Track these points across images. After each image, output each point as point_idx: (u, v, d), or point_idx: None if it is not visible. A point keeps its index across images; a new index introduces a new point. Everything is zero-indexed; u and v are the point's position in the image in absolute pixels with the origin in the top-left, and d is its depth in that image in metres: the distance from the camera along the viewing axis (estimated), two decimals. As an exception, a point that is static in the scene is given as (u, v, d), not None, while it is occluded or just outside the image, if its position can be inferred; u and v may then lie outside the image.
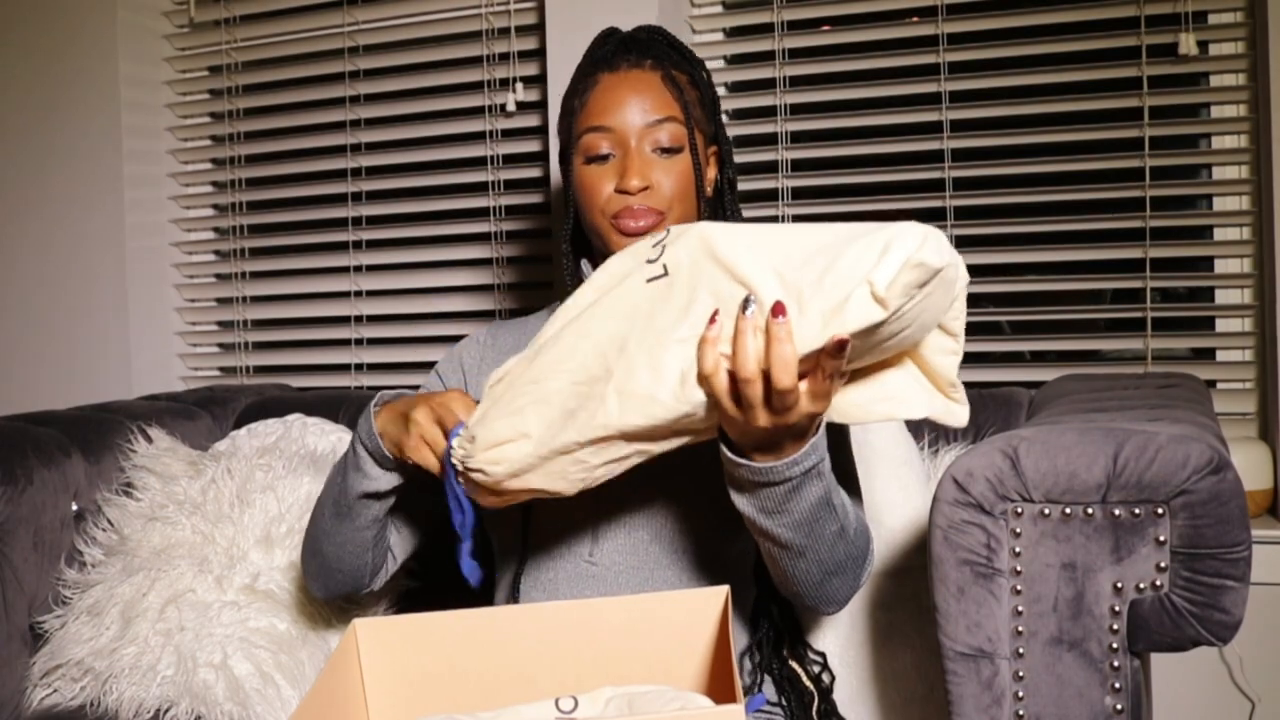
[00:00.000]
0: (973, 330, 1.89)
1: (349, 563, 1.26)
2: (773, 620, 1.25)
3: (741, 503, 1.02)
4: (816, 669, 1.27)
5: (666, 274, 0.97)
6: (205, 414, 1.91)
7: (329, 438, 1.74)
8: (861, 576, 1.14)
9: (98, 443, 1.71)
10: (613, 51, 1.25)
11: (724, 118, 1.34)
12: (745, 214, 1.42)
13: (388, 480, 1.18)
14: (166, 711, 1.44)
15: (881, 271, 0.86)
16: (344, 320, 2.26)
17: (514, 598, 1.26)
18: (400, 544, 1.32)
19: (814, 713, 1.23)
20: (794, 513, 1.02)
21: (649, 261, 0.99)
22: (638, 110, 1.20)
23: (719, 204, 1.31)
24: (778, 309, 0.89)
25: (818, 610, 1.14)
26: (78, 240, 2.35)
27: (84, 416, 1.77)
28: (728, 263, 0.93)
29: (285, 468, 1.65)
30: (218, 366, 2.40)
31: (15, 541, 1.54)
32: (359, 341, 2.25)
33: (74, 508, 1.65)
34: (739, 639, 1.24)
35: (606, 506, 1.19)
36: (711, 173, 1.29)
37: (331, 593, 1.30)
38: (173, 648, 1.46)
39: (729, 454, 0.99)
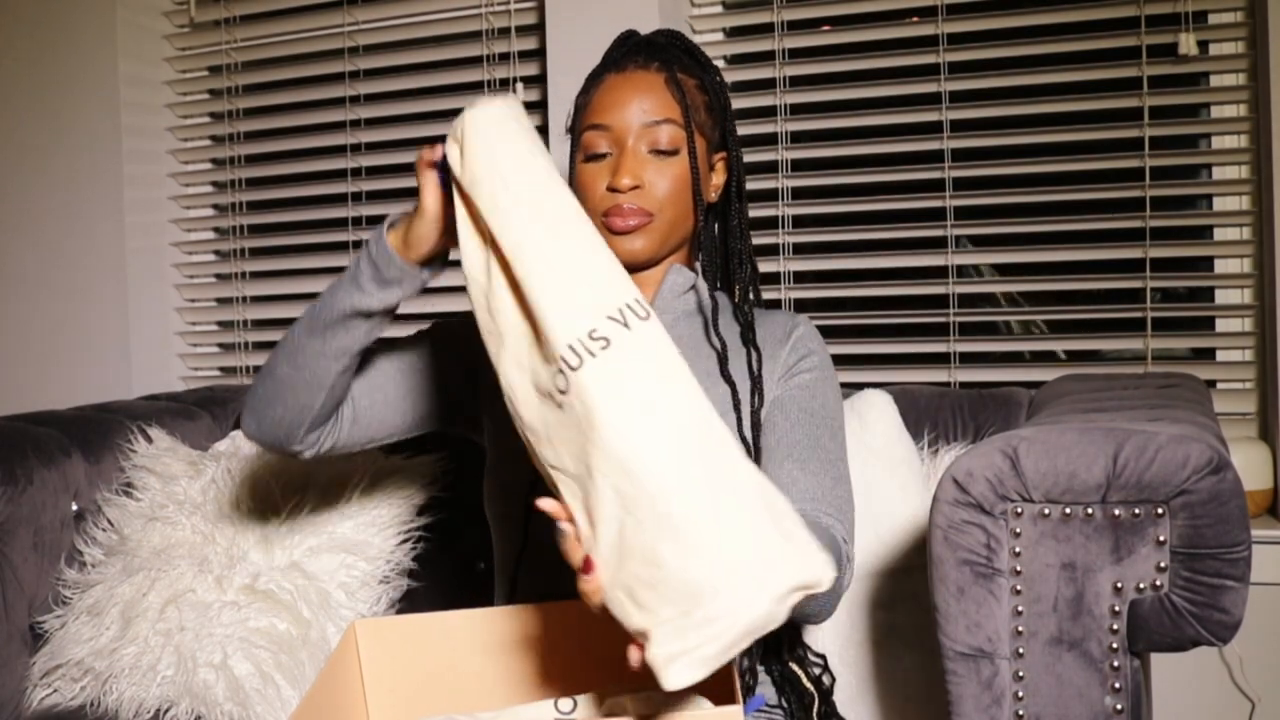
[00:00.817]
0: (973, 330, 1.89)
1: (298, 394, 1.15)
2: None
3: None
4: (817, 671, 1.27)
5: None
6: (205, 414, 1.91)
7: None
8: (836, 598, 1.12)
9: (98, 443, 1.71)
10: (625, 53, 1.26)
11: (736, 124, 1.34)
12: (748, 212, 1.42)
13: (380, 298, 1.09)
14: (166, 711, 1.44)
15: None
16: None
17: (513, 589, 1.26)
18: (362, 415, 1.24)
19: (815, 714, 1.23)
20: None
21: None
22: (637, 110, 1.21)
23: (726, 210, 1.31)
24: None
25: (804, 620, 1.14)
26: (78, 240, 2.35)
27: (84, 416, 1.77)
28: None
29: (285, 468, 1.65)
30: (218, 366, 2.40)
31: (15, 541, 1.54)
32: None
33: (74, 508, 1.65)
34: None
35: None
36: (718, 178, 1.30)
37: (263, 429, 1.19)
38: (173, 648, 1.46)
39: None
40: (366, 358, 1.25)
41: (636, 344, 0.85)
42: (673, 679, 0.79)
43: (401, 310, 1.20)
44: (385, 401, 1.26)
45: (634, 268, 1.23)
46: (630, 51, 1.26)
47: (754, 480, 0.84)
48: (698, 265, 1.33)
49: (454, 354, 1.31)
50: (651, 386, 0.84)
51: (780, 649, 1.26)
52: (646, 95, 1.21)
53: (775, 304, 1.95)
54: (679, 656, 0.79)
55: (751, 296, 1.31)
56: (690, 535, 0.79)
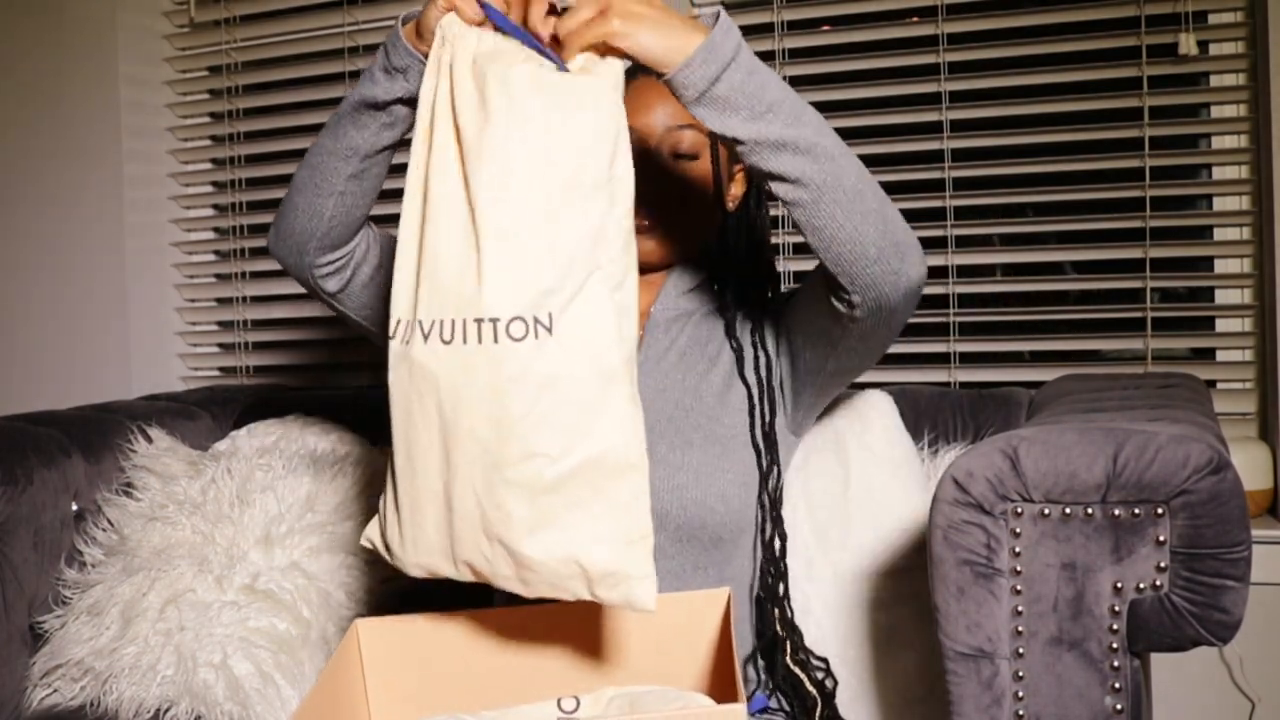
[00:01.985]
0: (973, 330, 1.89)
1: (308, 197, 1.18)
2: (774, 625, 1.26)
3: (727, 121, 0.99)
4: (820, 674, 1.27)
5: None
6: (205, 414, 1.91)
7: (329, 438, 1.74)
8: (903, 236, 1.08)
9: (98, 443, 1.71)
10: None
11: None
12: (768, 215, 1.43)
13: (386, 86, 1.09)
14: (166, 711, 1.44)
15: None
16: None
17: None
18: (385, 265, 1.25)
19: (817, 717, 1.24)
20: (778, 98, 1.00)
21: None
22: (661, 114, 1.25)
23: (744, 219, 1.33)
24: None
25: (906, 280, 1.08)
26: (78, 240, 2.35)
27: (84, 416, 1.76)
28: None
29: (285, 468, 1.65)
30: (218, 366, 2.40)
31: (15, 541, 1.54)
32: (359, 340, 2.25)
33: (74, 508, 1.65)
34: (740, 645, 1.25)
35: None
36: (737, 189, 1.32)
37: (280, 240, 1.23)
38: (173, 648, 1.46)
39: (674, 81, 0.98)
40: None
41: None
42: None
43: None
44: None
45: (644, 269, 1.23)
46: None
47: None
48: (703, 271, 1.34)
49: None
50: None
51: (783, 652, 1.26)
52: (671, 100, 1.24)
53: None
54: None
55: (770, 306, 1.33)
56: None
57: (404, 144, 1.13)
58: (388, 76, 1.09)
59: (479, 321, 0.92)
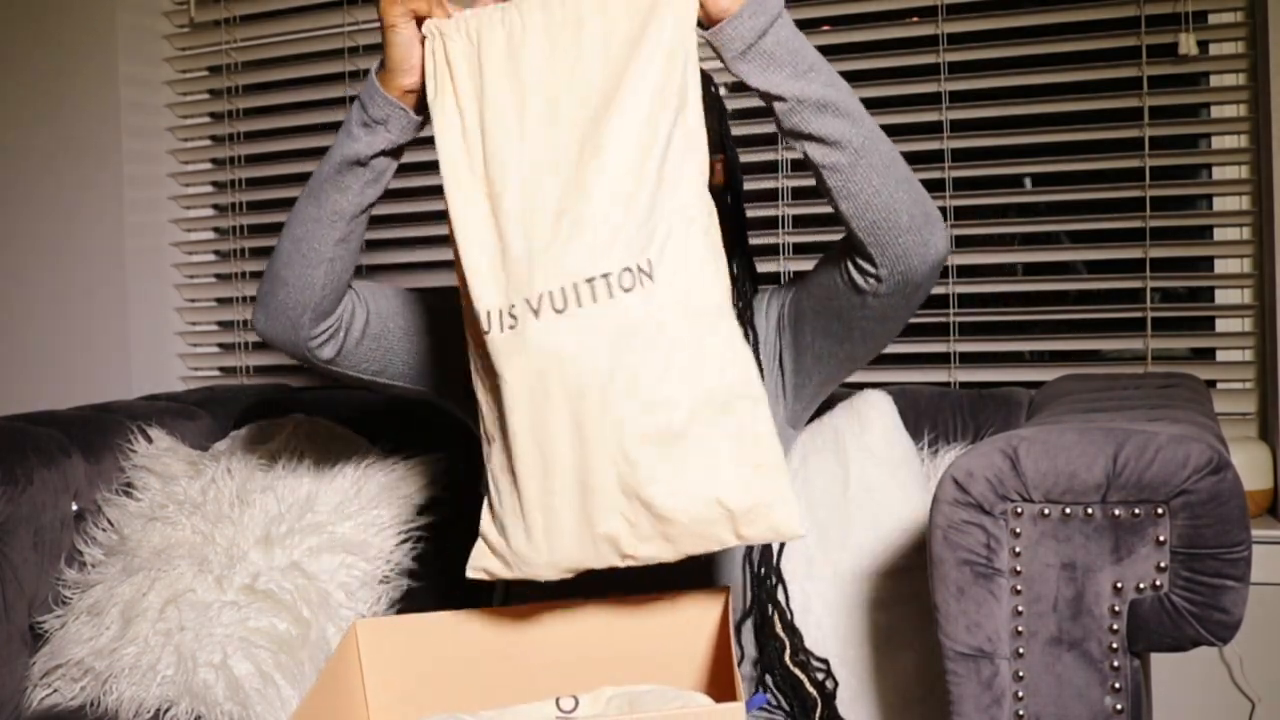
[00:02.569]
0: (973, 330, 1.89)
1: (297, 270, 1.15)
2: (774, 627, 1.26)
3: (770, 78, 1.02)
4: (820, 675, 1.27)
5: None
6: (205, 414, 1.91)
7: (329, 438, 1.74)
8: (930, 207, 1.08)
9: (98, 443, 1.71)
10: None
11: (730, 128, 1.35)
12: (745, 214, 1.42)
13: (368, 141, 1.09)
14: (166, 711, 1.44)
15: None
16: (344, 320, 2.26)
17: (507, 592, 1.26)
18: (373, 324, 1.25)
19: (817, 718, 1.24)
20: (816, 61, 1.02)
21: None
22: None
23: (722, 211, 1.31)
24: None
25: (932, 251, 1.08)
26: (78, 240, 2.35)
27: (84, 416, 1.77)
28: None
29: (285, 468, 1.65)
30: (218, 366, 2.40)
31: (15, 541, 1.54)
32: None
33: (74, 508, 1.65)
34: (740, 649, 1.25)
35: None
36: (716, 180, 1.30)
37: (270, 320, 1.19)
38: (173, 648, 1.46)
39: (722, 33, 1.00)
40: (386, 287, 1.27)
41: None
42: None
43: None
44: (397, 327, 1.26)
45: None
46: None
47: None
48: None
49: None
50: None
51: (783, 653, 1.26)
52: None
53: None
54: None
55: (749, 297, 1.32)
56: None
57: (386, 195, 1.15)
58: (368, 130, 1.08)
59: (590, 281, 0.93)
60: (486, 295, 0.97)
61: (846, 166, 1.04)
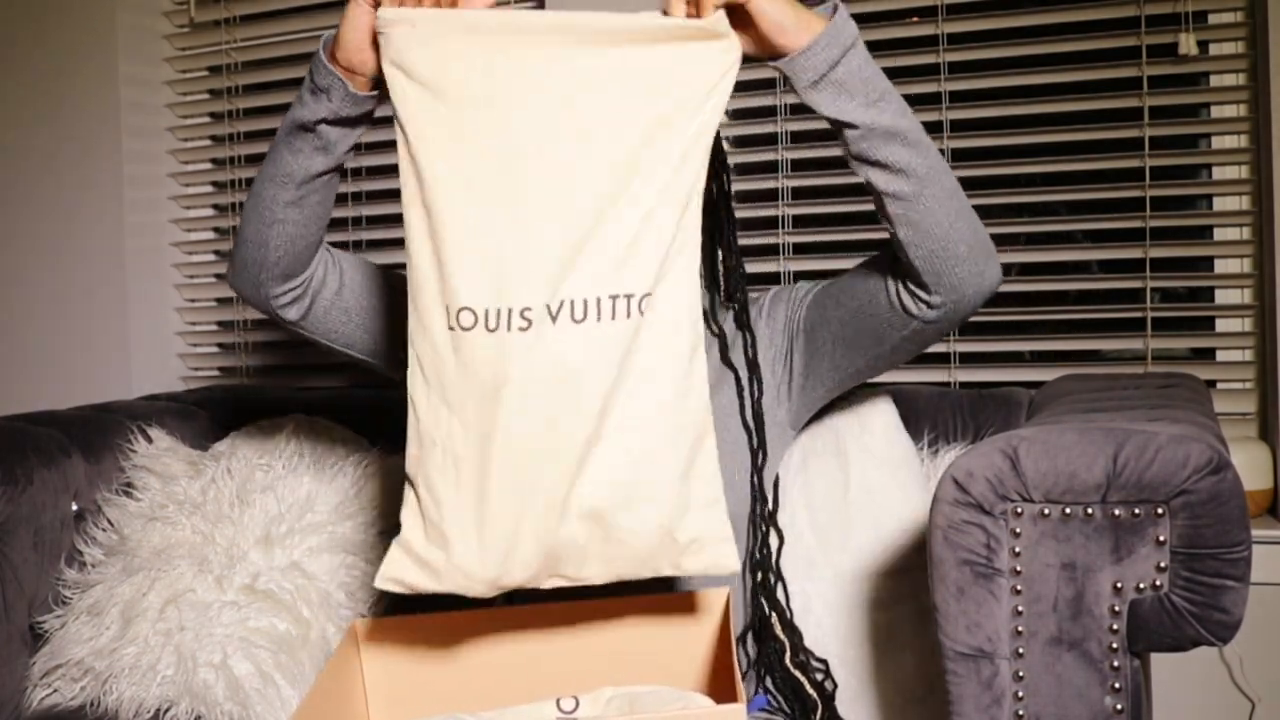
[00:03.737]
0: (973, 330, 1.89)
1: (255, 229, 1.16)
2: (773, 628, 1.26)
3: (843, 106, 1.03)
4: (819, 676, 1.27)
5: None
6: (205, 414, 1.91)
7: (329, 438, 1.74)
8: (987, 239, 1.11)
9: (98, 443, 1.71)
10: None
11: (722, 130, 1.35)
12: (745, 214, 1.42)
13: (313, 107, 1.09)
14: (166, 711, 1.44)
15: None
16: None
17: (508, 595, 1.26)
18: (347, 289, 1.25)
19: (817, 719, 1.24)
20: (887, 90, 1.03)
21: None
22: None
23: (713, 209, 1.32)
24: None
25: (986, 281, 1.11)
26: (78, 240, 2.35)
27: (84, 416, 1.77)
28: None
29: (285, 468, 1.65)
30: (218, 366, 2.40)
31: (15, 541, 1.54)
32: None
33: (74, 508, 1.65)
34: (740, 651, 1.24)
35: None
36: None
37: (236, 275, 1.21)
38: (173, 648, 1.46)
39: (795, 63, 1.02)
40: (367, 264, 1.28)
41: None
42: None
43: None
44: (370, 304, 1.26)
45: None
46: None
47: None
48: None
49: None
50: None
51: (783, 654, 1.26)
52: None
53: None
54: None
55: (738, 294, 1.32)
56: None
57: (344, 171, 1.15)
58: (314, 97, 1.08)
59: (613, 298, 0.94)
60: (474, 292, 0.95)
61: (910, 195, 1.06)
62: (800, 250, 1.98)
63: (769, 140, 1.96)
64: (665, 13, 0.98)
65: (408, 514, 1.00)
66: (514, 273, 0.94)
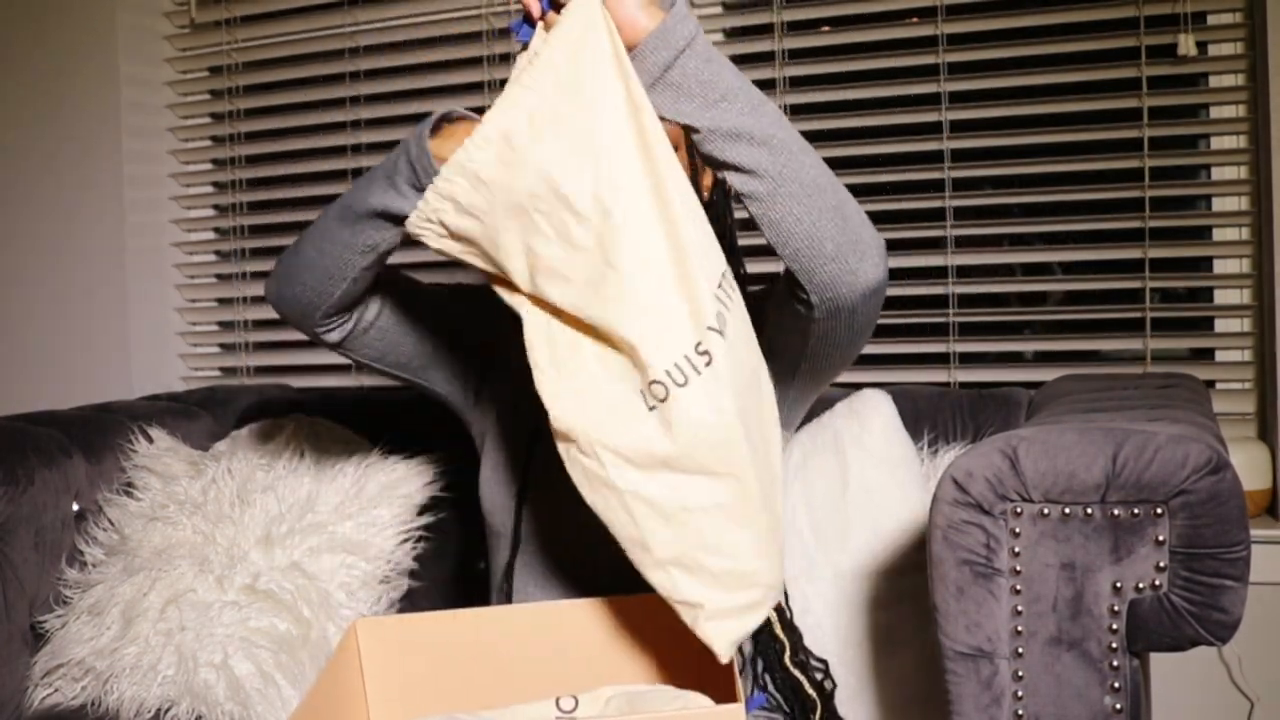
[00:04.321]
0: (973, 330, 1.89)
1: (318, 278, 1.15)
2: (773, 629, 1.26)
3: (680, 108, 0.99)
4: (819, 676, 1.27)
5: None
6: (206, 414, 1.92)
7: (329, 438, 1.74)
8: (864, 234, 1.06)
9: (99, 443, 1.71)
10: None
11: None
12: (742, 212, 1.42)
13: (416, 203, 1.03)
14: (167, 711, 1.44)
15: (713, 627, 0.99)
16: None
17: (506, 589, 1.26)
18: (388, 319, 1.25)
19: (816, 719, 1.24)
20: (733, 86, 0.99)
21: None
22: None
23: (714, 210, 1.32)
24: None
25: (863, 279, 1.06)
26: (78, 240, 2.35)
27: (85, 417, 1.77)
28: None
29: (285, 468, 1.65)
30: (218, 367, 2.40)
31: (16, 541, 1.55)
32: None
33: (75, 508, 1.65)
34: (740, 656, 1.24)
35: None
36: (707, 179, 1.30)
37: (283, 303, 1.21)
38: (173, 647, 1.46)
39: (634, 61, 0.97)
40: (405, 280, 1.28)
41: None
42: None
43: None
44: (407, 323, 1.26)
45: None
46: None
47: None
48: None
49: (474, 328, 1.33)
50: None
51: (782, 654, 1.26)
52: None
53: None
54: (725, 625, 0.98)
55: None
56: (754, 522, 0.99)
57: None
58: (418, 194, 1.03)
59: (698, 349, 0.95)
60: (670, 347, 0.95)
61: (765, 195, 1.02)
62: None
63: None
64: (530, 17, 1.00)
65: (693, 590, 0.98)
66: (691, 308, 0.97)
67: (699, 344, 0.94)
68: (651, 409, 0.95)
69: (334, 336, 1.23)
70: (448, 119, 1.07)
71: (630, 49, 0.97)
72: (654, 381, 0.94)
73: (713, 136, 1.00)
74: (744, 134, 1.00)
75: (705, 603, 0.97)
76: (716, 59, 1.00)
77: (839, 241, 1.04)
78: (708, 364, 0.94)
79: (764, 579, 1.00)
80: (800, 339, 1.15)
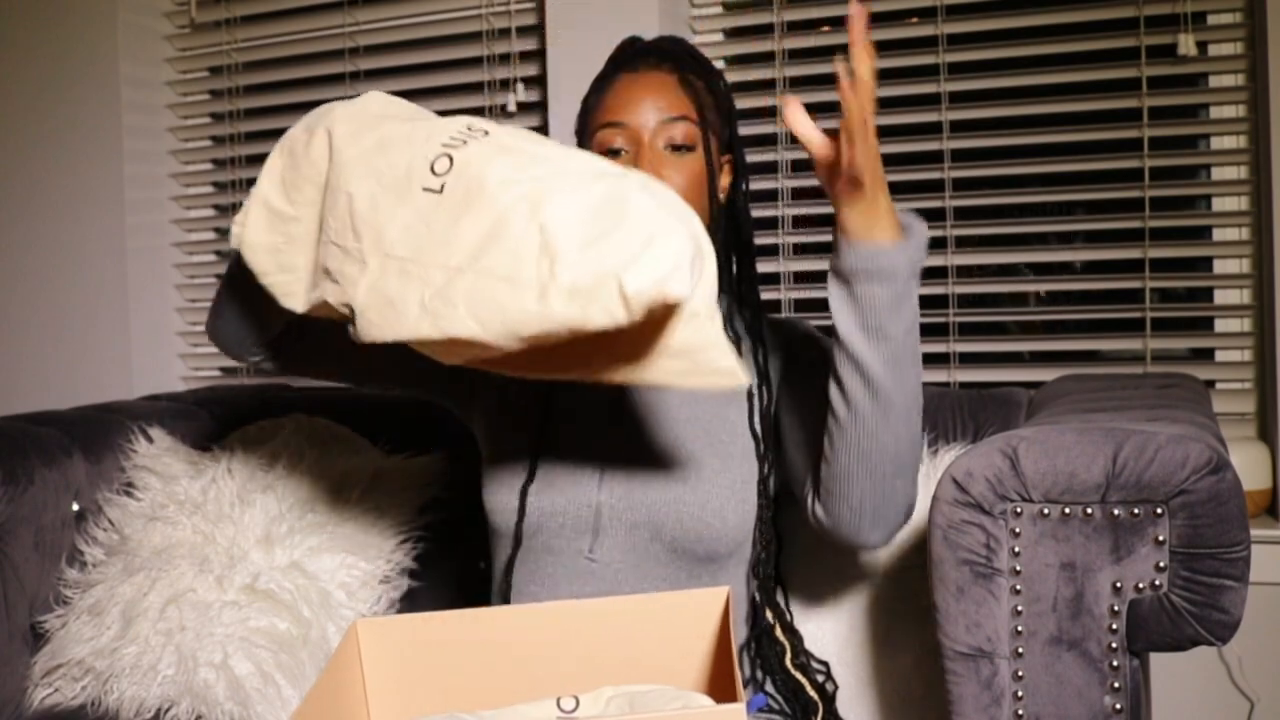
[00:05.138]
0: (973, 330, 1.89)
1: (244, 331, 1.24)
2: (773, 631, 1.26)
3: (838, 307, 1.04)
4: (820, 678, 1.27)
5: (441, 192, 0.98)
6: (206, 414, 1.91)
7: (329, 438, 1.74)
8: (910, 498, 1.11)
9: (99, 442, 1.71)
10: (634, 55, 1.28)
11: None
12: (751, 214, 1.43)
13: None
14: (167, 711, 1.44)
15: (633, 277, 0.85)
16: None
17: (506, 588, 1.26)
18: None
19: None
20: (893, 335, 1.02)
21: (433, 172, 1.00)
22: (652, 109, 1.23)
23: (731, 212, 1.32)
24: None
25: (861, 540, 1.11)
26: (78, 240, 2.35)
27: (85, 416, 1.77)
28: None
29: (285, 468, 1.65)
30: (218, 366, 2.40)
31: (16, 541, 1.55)
32: (359, 342, 2.25)
33: (75, 507, 1.65)
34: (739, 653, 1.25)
35: (608, 502, 1.20)
36: (725, 180, 1.31)
37: (219, 339, 1.28)
38: (173, 647, 1.46)
39: (846, 240, 1.01)
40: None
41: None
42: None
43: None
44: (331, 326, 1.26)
45: None
46: (640, 54, 1.28)
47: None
48: None
49: None
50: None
51: (783, 656, 1.26)
52: (661, 94, 1.23)
53: (774, 305, 1.96)
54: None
55: (752, 298, 1.33)
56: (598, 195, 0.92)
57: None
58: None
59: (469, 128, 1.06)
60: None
61: (842, 425, 1.07)
62: (800, 250, 1.98)
63: (769, 141, 1.97)
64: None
65: (587, 264, 0.90)
66: None
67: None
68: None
69: (268, 366, 1.30)
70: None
71: (853, 240, 1.01)
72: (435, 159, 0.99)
73: (842, 350, 1.05)
74: (866, 373, 1.04)
75: (612, 267, 0.87)
76: (906, 305, 1.04)
77: (870, 506, 1.09)
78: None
79: (648, 225, 0.89)
80: (782, 463, 1.24)
